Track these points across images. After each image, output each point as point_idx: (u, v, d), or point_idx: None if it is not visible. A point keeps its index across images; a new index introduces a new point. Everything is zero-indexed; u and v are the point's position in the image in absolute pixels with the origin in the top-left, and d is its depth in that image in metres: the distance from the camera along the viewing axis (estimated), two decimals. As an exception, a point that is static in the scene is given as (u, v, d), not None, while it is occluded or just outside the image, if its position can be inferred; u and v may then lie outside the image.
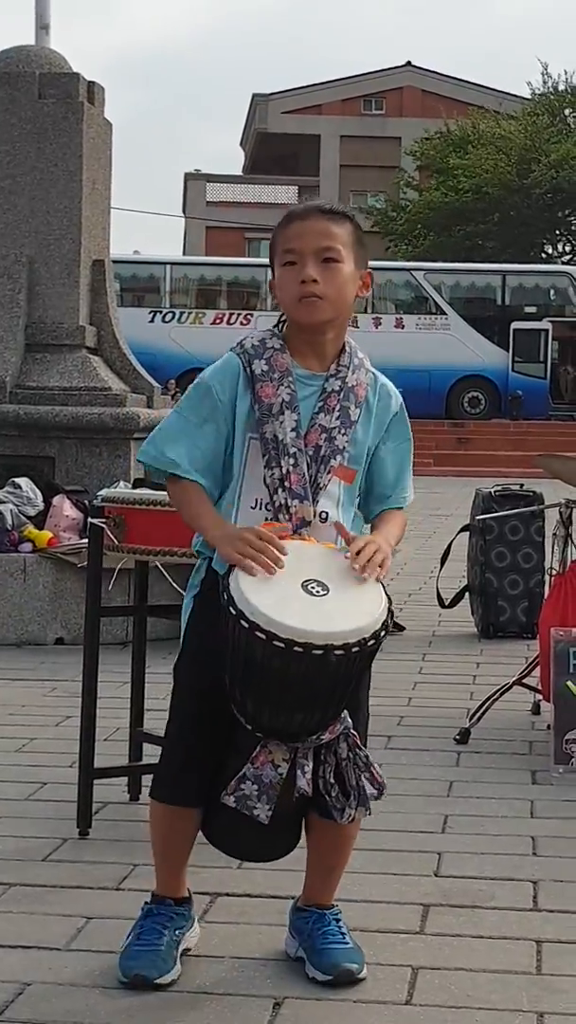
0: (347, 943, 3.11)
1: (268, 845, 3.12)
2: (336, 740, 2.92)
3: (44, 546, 7.29)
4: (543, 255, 48.32)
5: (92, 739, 4.16)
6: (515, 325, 34.43)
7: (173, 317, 33.42)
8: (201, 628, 3.03)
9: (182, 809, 3.08)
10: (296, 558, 2.88)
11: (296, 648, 2.72)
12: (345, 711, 2.92)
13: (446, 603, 8.03)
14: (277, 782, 2.90)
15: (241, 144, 67.50)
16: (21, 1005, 2.93)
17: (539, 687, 5.45)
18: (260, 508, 2.98)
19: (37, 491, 7.61)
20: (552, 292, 36.09)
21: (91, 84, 8.78)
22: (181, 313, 33.59)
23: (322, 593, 2.83)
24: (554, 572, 5.68)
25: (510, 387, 33.79)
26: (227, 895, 3.57)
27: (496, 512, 7.77)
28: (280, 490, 2.96)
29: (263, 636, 2.73)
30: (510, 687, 5.51)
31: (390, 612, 2.89)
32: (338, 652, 2.75)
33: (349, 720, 2.94)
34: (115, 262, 9.75)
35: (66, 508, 7.46)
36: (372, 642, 2.81)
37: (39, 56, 8.86)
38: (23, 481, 7.61)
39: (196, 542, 3.12)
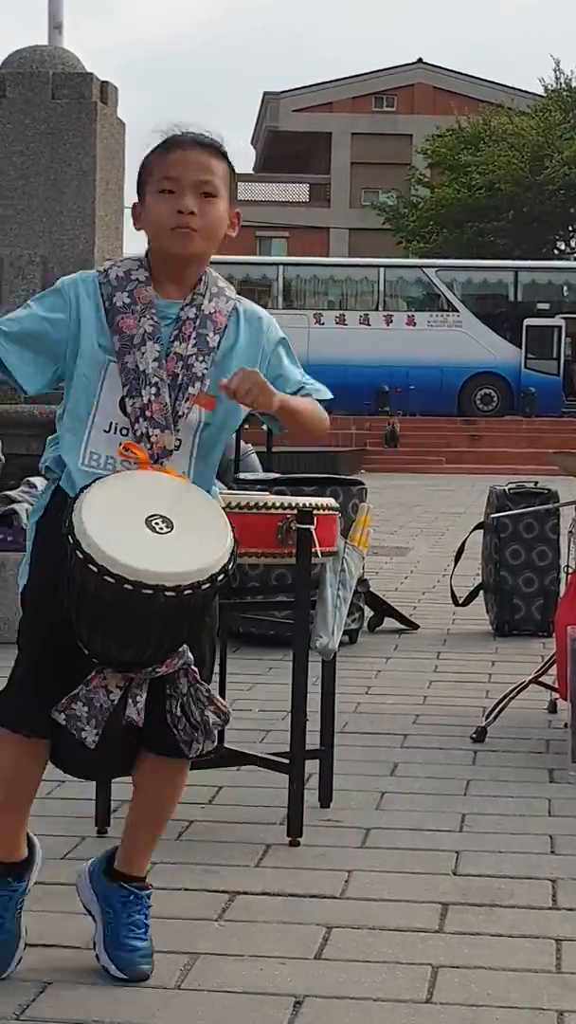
0: (146, 941, 3.08)
1: (101, 765, 3.11)
2: (175, 674, 2.90)
3: (59, 545, 7.31)
4: (556, 251, 48.31)
5: (110, 738, 4.16)
6: (528, 322, 34.43)
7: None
8: (48, 553, 2.98)
9: (28, 740, 3.00)
10: (148, 490, 2.88)
11: (126, 586, 2.72)
12: (185, 646, 2.90)
13: (460, 601, 8.04)
14: (107, 707, 2.87)
15: (252, 142, 67.53)
16: (42, 1003, 2.94)
17: (556, 685, 5.45)
18: (114, 432, 2.97)
19: (52, 490, 7.62)
20: (565, 288, 36.07)
21: (104, 84, 8.79)
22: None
23: (165, 531, 2.82)
24: (570, 570, 5.68)
25: (523, 384, 33.78)
26: (245, 894, 3.57)
27: (511, 510, 7.77)
28: (141, 419, 2.95)
29: (95, 569, 2.73)
30: (526, 685, 5.51)
31: (233, 556, 2.86)
32: (168, 593, 2.73)
33: (189, 655, 2.90)
34: (128, 261, 9.76)
35: (81, 507, 7.48)
36: (207, 585, 2.78)
37: (52, 56, 8.88)
38: (38, 480, 7.62)
39: (45, 459, 3.11)
